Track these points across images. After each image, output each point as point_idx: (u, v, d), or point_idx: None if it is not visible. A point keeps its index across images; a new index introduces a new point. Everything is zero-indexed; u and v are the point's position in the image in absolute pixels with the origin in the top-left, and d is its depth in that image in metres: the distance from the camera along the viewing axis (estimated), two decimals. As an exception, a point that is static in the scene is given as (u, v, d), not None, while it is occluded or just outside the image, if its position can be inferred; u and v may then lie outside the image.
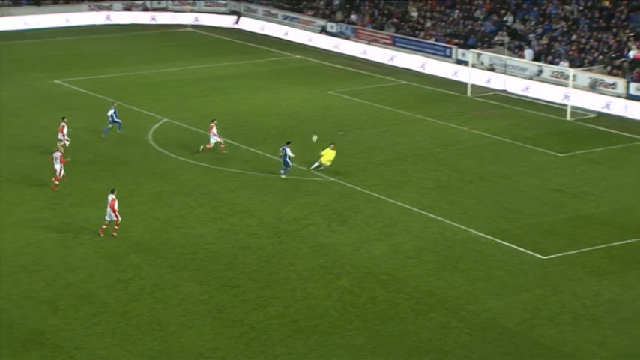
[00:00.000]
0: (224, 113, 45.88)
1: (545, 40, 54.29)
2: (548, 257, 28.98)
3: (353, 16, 65.60)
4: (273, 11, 70.65)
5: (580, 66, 50.19)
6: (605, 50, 51.12)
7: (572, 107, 45.88)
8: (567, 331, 24.34)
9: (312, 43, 63.79)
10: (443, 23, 60.41)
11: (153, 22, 71.87)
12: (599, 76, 49.02)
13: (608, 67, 49.65)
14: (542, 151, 40.16)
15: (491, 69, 53.29)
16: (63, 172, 34.69)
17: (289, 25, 68.10)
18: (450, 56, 57.15)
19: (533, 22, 56.38)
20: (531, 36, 55.20)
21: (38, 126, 43.84)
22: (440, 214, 32.52)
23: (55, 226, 31.45)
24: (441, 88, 51.98)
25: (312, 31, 66.12)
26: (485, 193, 34.83)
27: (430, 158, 39.06)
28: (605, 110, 46.52)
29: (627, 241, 30.19)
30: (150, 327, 24.55)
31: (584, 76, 49.01)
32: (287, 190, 35.00)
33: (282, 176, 35.99)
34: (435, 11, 62.06)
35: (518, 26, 56.88)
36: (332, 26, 65.67)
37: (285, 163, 36.00)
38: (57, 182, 34.72)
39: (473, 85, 50.53)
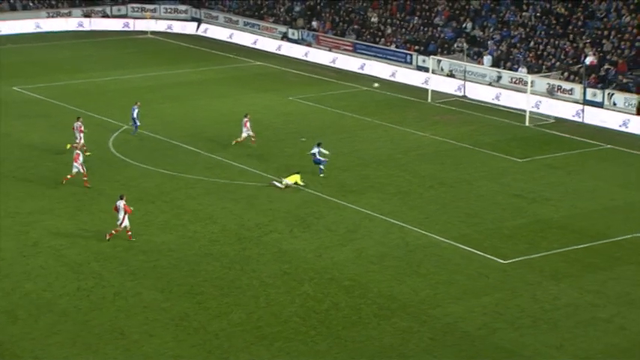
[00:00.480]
0: (185, 120, 45.77)
1: (503, 47, 54.96)
2: (508, 262, 29.35)
3: (314, 23, 65.81)
4: (234, 18, 70.60)
5: (538, 72, 50.89)
6: (563, 57, 51.90)
7: (531, 113, 46.53)
8: (527, 335, 24.67)
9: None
10: (403, 30, 60.86)
11: (113, 29, 71.42)
12: (556, 82, 49.75)
13: (566, 74, 50.41)
14: (502, 157, 40.64)
15: (451, 75, 53.82)
16: (76, 170, 35.49)
17: (251, 32, 68.09)
18: (410, 62, 57.59)
19: (491, 29, 57.06)
20: (490, 42, 55.85)
21: (-4, 133, 43.37)
22: (401, 219, 32.77)
23: (13, 235, 31.11)
24: (401, 94, 52.35)
25: (274, 38, 66.23)
26: (446, 198, 35.17)
27: (391, 164, 39.34)
28: (562, 115, 47.26)
29: (585, 245, 30.68)
30: (112, 336, 24.40)
31: (542, 82, 49.70)
32: (249, 197, 35.00)
33: (321, 174, 36.77)
34: (396, 18, 62.50)
35: (477, 33, 57.53)
36: (293, 33, 65.81)
37: (318, 161, 36.81)
38: (69, 177, 35.65)
39: (433, 91, 50.98)
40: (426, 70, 53.48)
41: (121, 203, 30.46)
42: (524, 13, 56.80)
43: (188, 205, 34.18)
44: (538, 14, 56.09)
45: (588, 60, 50.26)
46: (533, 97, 47.62)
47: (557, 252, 30.10)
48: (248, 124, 40.75)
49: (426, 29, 59.87)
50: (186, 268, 28.69)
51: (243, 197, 35.01)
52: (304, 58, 61.73)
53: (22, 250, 29.82)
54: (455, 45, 57.01)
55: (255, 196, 35.11)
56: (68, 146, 38.64)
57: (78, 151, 36.11)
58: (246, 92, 52.52)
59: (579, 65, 49.97)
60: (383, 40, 60.58)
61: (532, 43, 53.94)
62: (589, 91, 48.34)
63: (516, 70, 52.24)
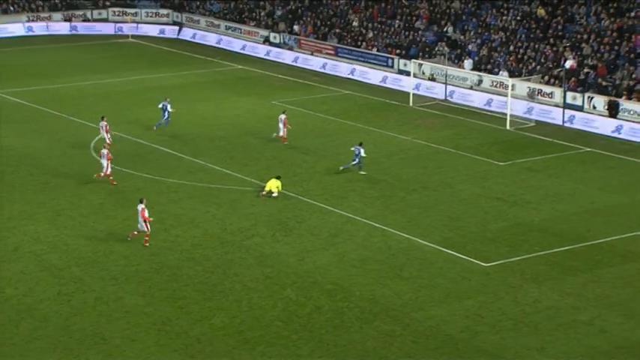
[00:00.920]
0: (170, 122, 45.60)
1: (484, 51, 55.23)
2: (489, 265, 29.47)
3: (295, 27, 65.86)
4: (216, 22, 70.53)
5: (519, 76, 51.18)
6: (543, 60, 52.22)
7: (512, 116, 46.79)
8: (509, 338, 24.77)
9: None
10: (384, 34, 61.02)
11: (93, 33, 71.16)
12: (537, 86, 50.04)
13: (546, 77, 50.73)
14: (484, 160, 40.82)
15: (432, 79, 54.01)
16: (110, 169, 36.07)
17: (232, 36, 68.07)
18: (391, 66, 57.77)
19: (472, 33, 57.32)
20: (471, 46, 56.10)
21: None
22: (384, 222, 32.83)
23: (-6, 240, 30.93)
24: (383, 98, 52.49)
25: (256, 42, 66.22)
26: (428, 201, 35.27)
27: (374, 167, 39.40)
28: (543, 119, 47.55)
29: (565, 248, 30.86)
30: (93, 341, 24.28)
31: (522, 86, 49.98)
32: (232, 201, 34.95)
33: (361, 172, 37.71)
34: (377, 22, 62.66)
35: (458, 37, 57.77)
36: (275, 36, 65.83)
37: (357, 161, 37.67)
38: (102, 176, 36.17)
39: (414, 95, 51.14)
40: (408, 73, 53.65)
41: (140, 207, 30.41)
42: (504, 17, 57.11)
43: (170, 209, 34.09)
44: (518, 18, 56.42)
45: (568, 64, 50.60)
46: (517, 102, 47.89)
47: (538, 255, 30.26)
48: (286, 122, 42.10)
49: (407, 33, 60.06)
50: (169, 272, 28.61)
51: (225, 201, 34.96)
52: (292, 63, 61.79)
53: (2, 255, 29.61)
54: (436, 49, 57.23)
55: (238, 200, 35.07)
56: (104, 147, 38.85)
57: (107, 149, 36.57)
58: (228, 96, 52.49)
59: (559, 69, 50.30)
60: (364, 43, 60.71)
61: (512, 47, 54.21)
62: (569, 94, 48.67)
63: (497, 73, 52.50)
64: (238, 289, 27.49)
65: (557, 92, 49.25)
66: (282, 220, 33.01)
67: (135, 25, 71.24)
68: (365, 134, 44.76)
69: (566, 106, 48.11)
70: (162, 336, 24.58)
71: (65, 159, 40.18)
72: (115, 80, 56.21)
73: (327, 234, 31.84)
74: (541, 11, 55.43)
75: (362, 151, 37.81)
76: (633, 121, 45.65)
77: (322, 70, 59.41)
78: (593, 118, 46.85)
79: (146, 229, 30.29)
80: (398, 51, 58.48)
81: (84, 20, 72.84)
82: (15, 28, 70.05)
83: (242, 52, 65.25)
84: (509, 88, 47.76)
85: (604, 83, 48.71)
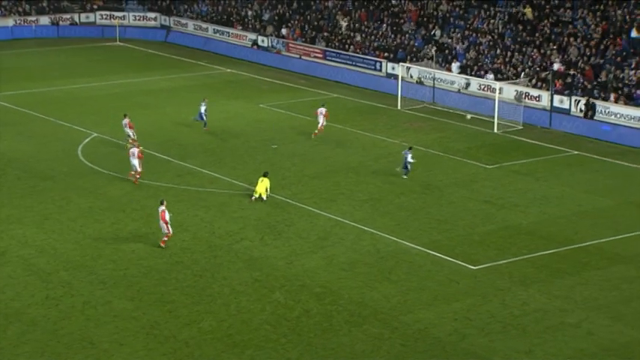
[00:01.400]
0: (155, 127, 45.61)
1: (472, 54, 55.40)
2: (478, 267, 29.56)
3: (283, 30, 65.91)
4: (204, 25, 70.48)
5: (507, 79, 51.36)
6: (530, 64, 52.43)
7: (499, 119, 46.96)
8: (497, 340, 24.85)
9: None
10: (372, 37, 61.14)
11: (81, 36, 71.00)
12: (524, 89, 50.25)
13: (533, 80, 50.94)
14: (472, 163, 40.95)
15: (420, 82, 54.15)
16: (140, 167, 36.63)
17: (220, 39, 68.04)
18: (379, 69, 57.88)
19: (459, 36, 57.50)
20: (458, 48, 56.25)
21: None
22: (372, 226, 32.88)
23: (-19, 244, 30.80)
24: (371, 101, 52.58)
25: (244, 45, 66.22)
26: (416, 204, 35.35)
27: (362, 171, 39.47)
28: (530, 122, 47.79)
29: (553, 251, 30.99)
30: (81, 345, 24.21)
31: (510, 89, 50.18)
32: (220, 204, 34.93)
33: (404, 176, 37.82)
34: (365, 25, 62.77)
35: (446, 40, 57.94)
36: (263, 40, 65.86)
37: (405, 167, 37.82)
38: (138, 177, 36.74)
39: (402, 98, 51.26)
40: (396, 77, 53.77)
41: (160, 209, 30.50)
42: (492, 21, 57.32)
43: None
44: (505, 21, 56.63)
45: (555, 67, 50.81)
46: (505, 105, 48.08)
47: (526, 258, 30.38)
48: (327, 115, 43.71)
49: (394, 36, 60.19)
50: (157, 276, 28.56)
51: (214, 205, 34.93)
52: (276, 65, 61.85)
53: (-11, 260, 29.51)
54: (423, 52, 57.35)
55: (226, 204, 35.04)
56: (128, 145, 39.78)
57: (137, 148, 37.02)
58: (216, 99, 52.42)
59: (547, 72, 50.52)
60: (352, 47, 60.82)
61: (500, 50, 54.40)
62: (556, 97, 48.89)
63: (482, 76, 52.66)
64: (227, 292, 27.48)
65: (545, 95, 49.47)
66: (270, 224, 33.02)
67: (123, 28, 71.16)
68: (353, 137, 44.84)
69: (553, 109, 48.33)
70: (150, 340, 24.53)
71: (53, 163, 40.06)
72: (102, 84, 56.08)
73: (315, 237, 31.86)
74: (528, 10, 55.66)
75: (409, 156, 37.74)
76: (622, 125, 45.90)
77: (310, 74, 59.46)
78: (580, 121, 47.07)
79: (167, 231, 30.42)
80: (386, 54, 58.61)
81: (71, 24, 72.64)
82: (1, 31, 69.74)
83: (230, 55, 65.22)
84: (497, 91, 47.93)
85: (589, 86, 48.97)
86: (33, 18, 72.04)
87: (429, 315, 26.15)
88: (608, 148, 44.12)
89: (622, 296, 27.69)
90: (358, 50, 60.29)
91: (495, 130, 46.50)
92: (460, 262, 29.87)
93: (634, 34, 50.61)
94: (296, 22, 66.32)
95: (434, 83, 52.91)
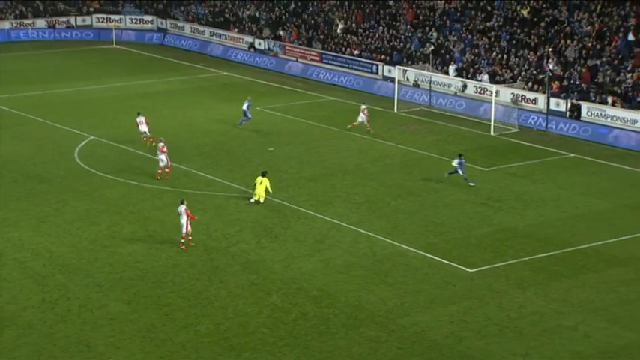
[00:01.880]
0: (152, 130, 45.50)
1: (468, 56, 55.45)
2: (474, 270, 29.56)
3: (280, 33, 65.92)
4: (201, 28, 70.49)
5: (503, 82, 51.42)
6: (526, 66, 52.49)
7: (496, 122, 47.02)
8: (493, 343, 24.85)
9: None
10: (369, 40, 61.17)
11: (78, 39, 70.95)
12: (520, 92, 50.30)
13: (529, 83, 50.99)
14: (468, 166, 40.87)
15: (417, 85, 54.18)
16: (168, 161, 37.43)
17: (216, 42, 68.05)
18: (376, 72, 57.92)
19: (456, 38, 57.54)
20: (455, 52, 56.31)
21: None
22: (369, 228, 32.88)
23: (-22, 247, 30.74)
24: (368, 104, 52.48)
25: (241, 48, 66.22)
26: (413, 207, 35.35)
27: (359, 173, 39.47)
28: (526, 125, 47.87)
29: (549, 254, 31.00)
30: (77, 348, 24.17)
31: (506, 92, 50.22)
32: (217, 207, 34.90)
33: (471, 183, 37.40)
34: (361, 28, 62.82)
35: (442, 42, 57.98)
36: (260, 43, 65.87)
37: (462, 173, 37.42)
38: (167, 170, 37.56)
39: (399, 101, 51.28)
40: (392, 80, 53.80)
41: (182, 208, 30.56)
42: (488, 23, 57.38)
43: (155, 215, 34.00)
44: (501, 24, 56.70)
45: (551, 66, 50.81)
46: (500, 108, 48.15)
47: (523, 260, 30.39)
48: (366, 112, 45.18)
49: (391, 39, 60.21)
50: (153, 279, 28.53)
51: (210, 207, 34.90)
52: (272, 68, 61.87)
53: (-15, 263, 29.45)
54: (419, 53, 57.37)
55: (223, 207, 35.02)
56: (149, 144, 41.33)
57: (162, 144, 37.55)
58: (212, 102, 52.48)
59: (543, 75, 50.57)
60: (349, 50, 60.84)
61: (496, 53, 54.44)
62: (552, 100, 48.94)
63: (477, 76, 52.64)
64: (223, 295, 27.45)
65: (541, 98, 49.52)
66: (267, 227, 33.00)
67: (119, 30, 71.14)
68: (350, 140, 44.86)
69: (550, 112, 48.38)
70: (147, 343, 24.49)
71: (50, 165, 40.03)
72: (99, 87, 56.05)
73: (312, 240, 31.85)
74: (524, 11, 55.73)
75: (455, 161, 37.32)
76: (619, 128, 45.96)
77: (307, 77, 59.48)
78: (577, 124, 47.12)
79: (186, 231, 30.51)
80: (382, 57, 58.64)
81: (68, 27, 72.59)
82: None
83: (226, 58, 65.24)
84: (493, 94, 47.99)
85: (586, 88, 49.05)
86: (29, 21, 71.98)
87: (426, 318, 26.15)
88: (605, 151, 44.17)
89: (619, 299, 27.72)
90: (355, 50, 60.21)
91: (492, 133, 46.53)
92: (457, 265, 29.88)
93: (630, 37, 50.72)
94: (292, 25, 66.34)
95: (430, 86, 52.94)
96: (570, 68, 50.74)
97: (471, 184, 37.37)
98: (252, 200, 35.06)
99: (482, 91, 51.60)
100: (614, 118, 46.69)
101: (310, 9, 67.12)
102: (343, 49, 61.15)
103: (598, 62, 50.19)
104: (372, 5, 64.09)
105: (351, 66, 59.34)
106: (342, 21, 63.96)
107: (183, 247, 30.67)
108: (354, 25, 63.03)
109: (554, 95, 49.19)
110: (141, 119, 42.23)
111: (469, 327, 25.67)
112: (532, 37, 54.17)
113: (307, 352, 24.22)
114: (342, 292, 27.72)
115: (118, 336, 24.81)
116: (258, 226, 32.99)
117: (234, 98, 53.47)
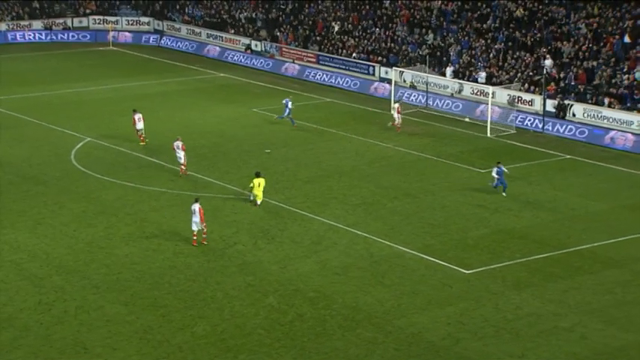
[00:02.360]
0: (148, 132, 45.48)
1: (465, 58, 55.49)
2: (471, 271, 29.58)
3: (277, 34, 65.91)
4: (197, 30, 70.47)
5: (500, 83, 51.46)
6: (523, 68, 52.55)
7: (492, 123, 47.05)
8: (490, 345, 24.87)
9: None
10: (365, 41, 61.20)
11: (74, 41, 70.92)
12: (517, 93, 50.35)
13: (526, 85, 51.04)
14: (465, 167, 41.01)
15: (414, 86, 54.21)
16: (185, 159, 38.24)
17: (213, 44, 68.04)
18: (372, 74, 57.95)
19: (452, 40, 57.59)
20: (452, 53, 56.35)
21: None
22: (366, 230, 32.89)
23: (-26, 249, 30.70)
24: (364, 106, 52.63)
25: (238, 50, 66.22)
26: (410, 209, 35.37)
27: (355, 175, 39.49)
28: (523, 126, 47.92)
29: (546, 255, 31.03)
30: (74, 350, 24.15)
31: (503, 94, 50.27)
32: (213, 209, 34.87)
33: (504, 193, 36.41)
34: (358, 29, 62.85)
35: (439, 44, 58.02)
36: (256, 44, 65.88)
37: (503, 182, 36.40)
38: (184, 167, 38.30)
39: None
40: (389, 81, 53.82)
41: (197, 207, 30.78)
42: (484, 25, 57.43)
43: (151, 217, 33.98)
44: (498, 25, 56.76)
45: (548, 68, 50.89)
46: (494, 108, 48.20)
47: (519, 262, 30.41)
48: (400, 109, 46.40)
49: (388, 40, 60.23)
50: (150, 280, 28.51)
51: (207, 209, 34.71)
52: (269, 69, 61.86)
53: (-18, 265, 29.41)
54: (414, 54, 57.40)
55: (219, 208, 35.01)
56: (142, 142, 42.25)
57: (182, 142, 38.33)
58: (209, 104, 52.47)
59: (539, 76, 50.62)
60: (345, 51, 60.86)
61: (493, 54, 54.51)
62: (549, 102, 49.00)
63: (476, 79, 52.67)
64: (220, 297, 27.44)
65: (537, 100, 49.58)
66: (264, 228, 33.00)
67: (115, 32, 71.12)
68: (347, 142, 44.87)
69: (546, 113, 48.44)
70: (143, 345, 24.48)
71: (46, 167, 40.00)
72: (95, 88, 56.01)
73: (309, 241, 31.85)
74: (519, 12, 55.80)
75: (495, 170, 36.47)
76: (616, 129, 46.02)
77: (304, 78, 59.50)
78: (573, 125, 47.19)
79: (198, 228, 30.80)
80: (379, 58, 58.67)
81: (64, 28, 72.53)
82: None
83: (223, 59, 65.23)
84: (490, 95, 48.03)
85: (583, 90, 49.11)
86: (26, 23, 71.92)
87: (423, 319, 26.16)
88: (601, 152, 44.24)
89: (615, 300, 27.75)
90: (353, 52, 60.24)
91: (488, 135, 46.58)
92: (453, 267, 29.89)
93: (626, 39, 50.80)
94: (289, 26, 66.35)
95: (427, 87, 52.98)
96: (567, 69, 50.78)
97: (504, 194, 36.47)
98: (257, 202, 35.01)
99: (478, 93, 51.63)
100: (611, 120, 46.76)
101: (307, 10, 67.13)
102: (340, 50, 61.16)
103: (595, 64, 50.24)
104: (367, 7, 64.13)
105: (347, 67, 59.36)
106: (339, 22, 63.97)
107: (196, 244, 30.88)
108: (350, 26, 63.06)
109: (550, 97, 49.25)
110: (139, 116, 42.81)
111: (466, 328, 25.68)
112: (528, 37, 54.18)
113: (304, 353, 24.21)
114: (338, 294, 27.72)
115: (115, 337, 24.79)
116: (254, 228, 32.99)
117: (231, 100, 53.48)
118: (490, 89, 48.64)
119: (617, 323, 26.22)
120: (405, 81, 54.70)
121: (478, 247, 31.57)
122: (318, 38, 63.44)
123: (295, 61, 62.15)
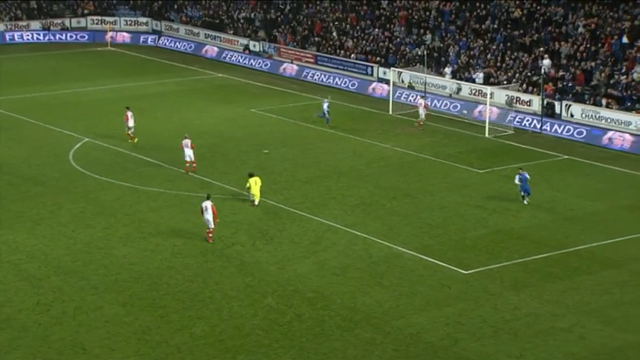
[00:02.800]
0: (146, 132, 45.51)
1: (463, 58, 55.51)
2: (469, 272, 29.60)
3: (275, 35, 65.90)
4: (195, 30, 70.46)
5: (498, 83, 51.49)
6: (521, 68, 52.58)
7: (490, 124, 47.08)
8: (488, 345, 24.89)
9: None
10: (364, 42, 61.22)
11: (72, 41, 70.89)
12: (515, 94, 50.37)
13: (524, 85, 51.06)
14: (463, 168, 41.03)
15: (412, 87, 54.22)
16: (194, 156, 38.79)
17: (211, 44, 68.02)
18: (371, 74, 57.96)
19: (451, 40, 57.62)
20: (450, 54, 56.37)
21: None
22: (364, 230, 32.90)
23: (-28, 250, 30.69)
24: (363, 106, 52.64)
25: (236, 50, 66.22)
26: (408, 209, 35.38)
27: (354, 175, 39.50)
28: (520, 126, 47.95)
29: (544, 255, 31.06)
30: (73, 351, 24.15)
31: (501, 94, 50.30)
32: (211, 209, 34.87)
33: (525, 202, 35.44)
34: (356, 30, 62.86)
35: (437, 44, 58.05)
36: (255, 45, 65.88)
37: (526, 189, 35.48)
38: (194, 165, 38.81)
39: (394, 103, 51.32)
40: (387, 81, 53.84)
41: (208, 204, 31.05)
42: (482, 25, 57.44)
43: (150, 217, 33.98)
44: (496, 26, 56.79)
45: (546, 68, 50.92)
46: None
47: (518, 262, 30.43)
48: (424, 105, 47.32)
49: (386, 41, 60.25)
50: (148, 281, 28.51)
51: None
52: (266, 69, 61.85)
53: (-20, 265, 29.40)
54: (411, 53, 57.39)
55: (218, 209, 34.88)
56: (131, 140, 42.57)
57: (188, 140, 38.71)
58: (207, 104, 52.46)
59: (537, 77, 50.65)
60: (343, 52, 60.86)
61: (491, 55, 54.53)
62: (547, 102, 48.99)
63: (474, 80, 52.70)
64: (219, 297, 27.44)
65: (535, 100, 49.61)
66: (262, 229, 33.01)
67: (113, 33, 71.11)
68: (345, 142, 44.89)
69: (544, 113, 48.47)
70: (142, 345, 24.48)
71: (44, 168, 39.99)
72: (94, 89, 55.99)
73: (307, 242, 31.86)
74: (517, 12, 55.84)
75: (517, 178, 35.48)
76: (614, 130, 46.06)
77: (302, 78, 59.50)
78: (571, 125, 47.23)
79: (213, 226, 31.01)
80: (377, 59, 58.68)
81: (62, 29, 72.50)
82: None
83: (221, 60, 65.23)
84: (488, 96, 48.06)
85: (581, 91, 49.15)
86: (24, 23, 71.87)
87: (421, 320, 26.17)
88: (599, 153, 44.28)
89: (613, 300, 27.78)
90: (351, 54, 60.25)
91: (486, 135, 46.61)
92: (452, 267, 29.91)
93: (624, 40, 50.85)
94: (288, 27, 66.35)
95: (425, 88, 53.00)
96: (565, 70, 50.82)
97: (525, 202, 35.55)
98: (255, 202, 35.04)
99: (476, 94, 51.66)
100: (609, 120, 46.80)
101: (305, 11, 67.13)
102: (338, 50, 61.16)
103: (593, 64, 50.28)
104: (366, 7, 64.15)
105: (346, 68, 59.37)
106: (337, 24, 63.95)
107: (211, 240, 31.13)
108: (348, 26, 63.06)
109: (548, 97, 49.28)
110: (130, 114, 43.14)
111: (464, 329, 25.70)
112: (526, 37, 54.21)
113: (302, 354, 24.22)
114: (337, 294, 27.73)
115: (113, 338, 24.79)
116: (253, 228, 33.00)
117: (229, 100, 53.48)
118: (488, 89, 48.67)
119: (615, 323, 26.25)
120: (403, 81, 54.70)
121: (476, 248, 31.59)
122: (316, 39, 63.44)
123: (293, 62, 62.15)
